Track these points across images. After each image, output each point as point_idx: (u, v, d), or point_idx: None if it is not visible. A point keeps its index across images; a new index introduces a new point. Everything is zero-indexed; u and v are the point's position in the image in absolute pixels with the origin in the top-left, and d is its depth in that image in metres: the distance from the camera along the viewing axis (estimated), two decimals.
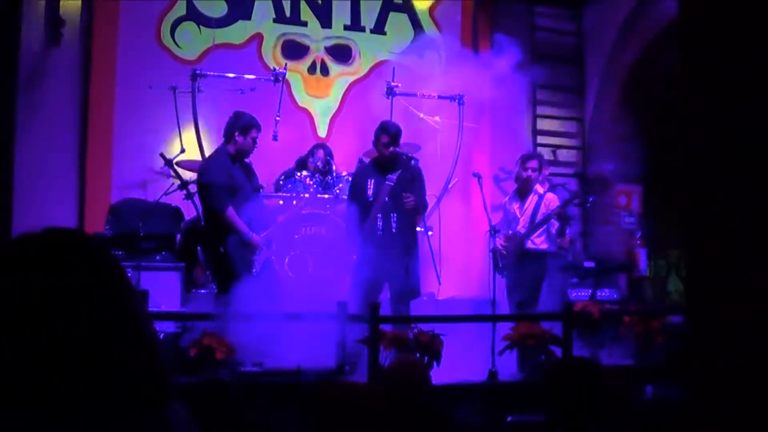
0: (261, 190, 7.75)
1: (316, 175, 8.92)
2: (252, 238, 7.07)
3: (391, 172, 7.38)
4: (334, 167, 9.13)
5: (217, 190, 7.04)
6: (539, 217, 7.96)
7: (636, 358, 7.21)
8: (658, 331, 7.28)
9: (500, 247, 7.86)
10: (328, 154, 9.35)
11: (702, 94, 2.32)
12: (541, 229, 7.99)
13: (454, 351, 6.61)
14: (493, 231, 7.68)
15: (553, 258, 8.28)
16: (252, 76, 9.03)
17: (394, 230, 7.29)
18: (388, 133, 7.39)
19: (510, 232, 8.09)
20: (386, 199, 7.31)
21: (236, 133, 7.21)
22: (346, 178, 8.91)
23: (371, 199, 7.35)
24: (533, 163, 8.13)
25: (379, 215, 7.30)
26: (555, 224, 7.92)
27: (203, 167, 7.41)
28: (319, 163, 9.16)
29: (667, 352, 7.06)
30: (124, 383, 1.51)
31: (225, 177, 7.06)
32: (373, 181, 7.41)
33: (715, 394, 2.29)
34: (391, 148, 7.35)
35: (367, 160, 8.37)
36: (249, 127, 7.23)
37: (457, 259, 9.90)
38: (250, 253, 7.04)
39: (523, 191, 8.20)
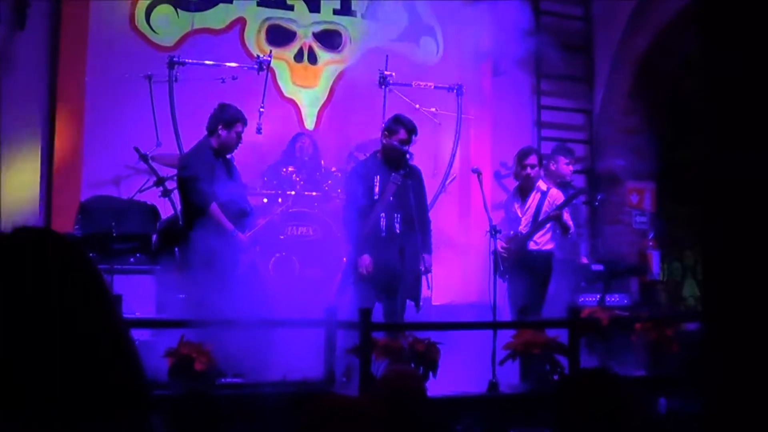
0: (245, 187, 7.75)
1: (303, 171, 8.91)
2: (237, 237, 7.06)
3: (396, 170, 7.38)
4: (322, 162, 9.13)
5: (200, 184, 7.03)
6: (542, 215, 7.98)
7: (648, 369, 7.23)
8: (672, 339, 7.29)
9: (501, 248, 7.87)
10: (314, 143, 9.35)
11: (721, 82, 2.32)
12: (545, 229, 8.00)
13: (451, 360, 6.61)
14: (494, 231, 7.68)
15: (559, 260, 8.29)
16: (234, 64, 9.02)
17: (397, 232, 7.31)
18: (407, 128, 7.39)
19: (511, 232, 8.10)
20: (391, 198, 7.31)
21: (220, 127, 7.22)
22: (335, 174, 8.91)
23: (377, 197, 7.33)
24: (531, 159, 8.15)
25: (383, 215, 7.30)
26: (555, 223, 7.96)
27: (184, 161, 7.40)
28: (306, 157, 9.15)
29: (683, 362, 7.07)
30: (101, 395, 1.51)
31: (207, 172, 7.05)
32: (379, 177, 7.40)
33: (735, 408, 2.29)
34: (407, 147, 7.37)
35: (360, 156, 8.38)
36: (234, 120, 7.23)
37: (455, 261, 9.90)
38: (235, 255, 7.03)
39: (524, 189, 8.21)
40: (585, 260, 9.27)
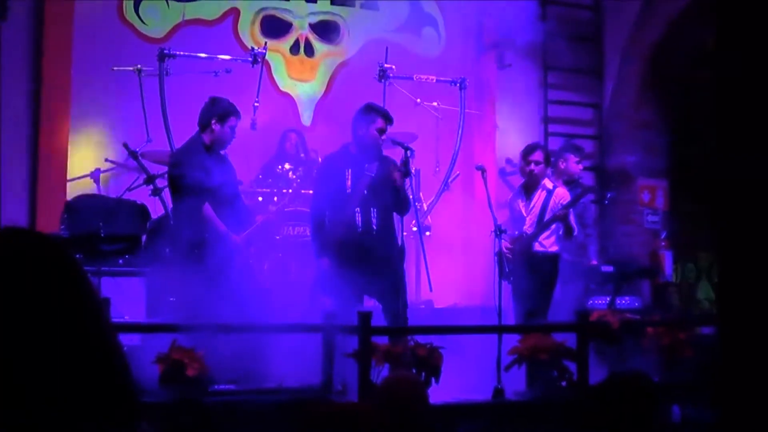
0: (239, 186, 7.74)
1: (300, 168, 8.91)
2: (231, 238, 7.06)
3: (370, 161, 7.30)
4: (319, 159, 9.12)
5: (192, 183, 7.02)
6: (548, 215, 7.97)
7: (661, 375, 7.22)
8: (686, 343, 7.29)
9: (505, 249, 7.86)
10: (301, 139, 9.36)
11: (737, 74, 2.32)
12: (550, 230, 7.99)
13: (454, 366, 6.60)
14: (499, 231, 7.66)
15: (567, 261, 8.29)
16: (227, 57, 9.01)
17: (374, 228, 7.22)
18: (384, 116, 7.31)
19: (516, 232, 8.10)
20: (365, 192, 7.24)
21: (213, 121, 7.21)
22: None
23: (349, 191, 7.26)
24: (536, 155, 8.13)
25: (358, 210, 7.23)
26: (561, 226, 7.94)
27: (175, 158, 7.40)
28: (301, 153, 9.16)
29: (697, 368, 7.06)
30: (87, 403, 1.51)
31: (200, 169, 7.04)
32: (351, 171, 7.31)
33: (751, 415, 2.28)
34: (384, 136, 7.30)
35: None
36: (227, 114, 7.23)
37: (458, 263, 9.91)
38: (228, 256, 7.02)
39: (529, 187, 8.21)
40: (595, 261, 9.26)
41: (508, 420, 6.69)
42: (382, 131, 7.25)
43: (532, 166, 8.12)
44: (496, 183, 10.08)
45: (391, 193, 7.16)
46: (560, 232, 7.98)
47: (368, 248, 7.12)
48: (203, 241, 6.95)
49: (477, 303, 9.32)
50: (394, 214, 7.30)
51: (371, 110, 7.37)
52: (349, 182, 7.24)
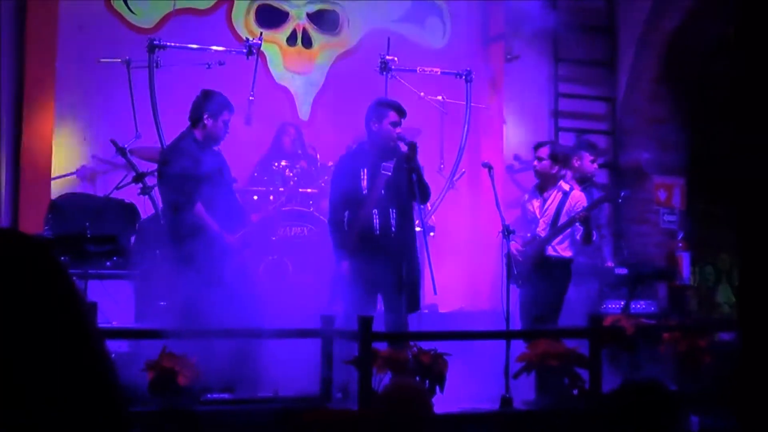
0: (234, 184, 7.74)
1: (297, 166, 8.91)
2: (224, 239, 7.06)
3: (386, 160, 7.31)
4: (317, 155, 9.13)
5: (183, 181, 7.03)
6: (562, 218, 7.95)
7: (679, 384, 7.22)
8: (704, 350, 7.29)
9: (515, 251, 7.85)
10: (298, 133, 9.36)
11: (759, 66, 2.31)
12: (564, 234, 7.98)
13: (460, 374, 6.61)
14: (507, 232, 7.66)
15: (580, 263, 8.28)
16: (220, 48, 9.01)
17: (393, 230, 7.24)
18: (397, 109, 7.32)
19: (528, 234, 8.08)
20: (383, 192, 7.26)
21: (205, 116, 7.21)
22: (332, 168, 8.90)
23: (365, 191, 7.27)
24: (541, 151, 8.12)
25: (375, 212, 7.24)
26: (579, 228, 7.91)
27: (166, 155, 7.40)
28: (298, 149, 9.15)
29: (716, 376, 7.06)
30: (72, 414, 1.50)
31: (192, 167, 7.04)
32: (366, 170, 7.32)
33: None
34: (399, 129, 7.29)
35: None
36: (220, 108, 7.23)
37: (463, 265, 9.90)
38: (221, 258, 7.02)
39: (542, 187, 8.18)
40: (609, 263, 9.26)
41: (516, 430, 6.69)
42: (395, 124, 7.26)
43: (535, 162, 8.12)
44: (503, 181, 10.06)
45: (409, 188, 7.16)
46: (578, 237, 7.94)
47: (386, 251, 7.13)
48: (195, 243, 6.95)
49: (483, 307, 9.32)
50: (413, 214, 7.33)
51: (382, 104, 7.40)
52: (365, 182, 7.26)
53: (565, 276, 8.01)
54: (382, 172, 7.24)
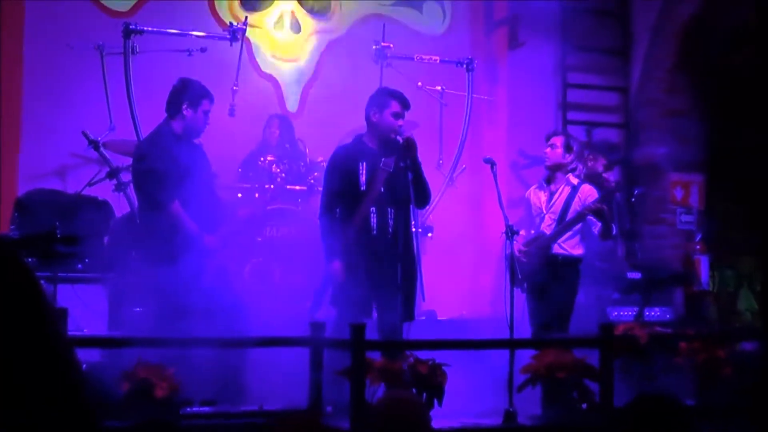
0: (215, 180, 7.73)
1: (285, 161, 8.91)
2: (204, 239, 7.05)
3: (387, 155, 7.29)
4: (306, 150, 9.13)
5: (160, 178, 7.02)
6: (571, 214, 7.95)
7: (697, 397, 7.23)
8: (724, 361, 7.29)
9: (518, 252, 7.84)
10: (286, 126, 9.36)
11: None
12: (573, 230, 7.98)
13: (460, 386, 6.61)
14: (511, 232, 7.65)
15: (594, 267, 8.28)
16: (202, 34, 9.01)
17: (390, 230, 7.23)
18: (399, 100, 7.29)
19: (532, 231, 8.07)
20: (382, 189, 7.24)
21: (184, 106, 7.20)
22: (322, 164, 8.90)
23: (364, 188, 7.25)
24: (558, 139, 8.12)
25: (373, 210, 7.23)
26: (596, 223, 7.90)
27: (141, 149, 7.40)
28: (286, 144, 9.15)
29: (737, 389, 7.07)
30: (41, 427, 1.50)
31: (169, 162, 7.04)
32: (365, 164, 7.30)
33: None
34: (401, 122, 7.26)
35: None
36: (200, 97, 7.22)
37: (464, 268, 9.91)
38: (201, 260, 7.01)
39: (550, 179, 8.18)
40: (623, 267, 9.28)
41: None
42: (397, 116, 7.23)
43: (548, 149, 8.11)
44: (507, 178, 10.09)
45: (409, 187, 7.13)
46: (595, 231, 7.93)
47: (383, 253, 7.12)
48: (173, 243, 6.94)
49: (485, 314, 9.32)
50: (411, 216, 7.32)
51: (383, 93, 7.39)
52: (363, 177, 7.24)
53: (574, 277, 8.00)
54: (382, 167, 7.21)
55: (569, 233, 7.98)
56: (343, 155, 7.44)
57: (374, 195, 7.21)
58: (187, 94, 7.21)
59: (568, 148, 8.11)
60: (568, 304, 7.96)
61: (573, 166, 8.25)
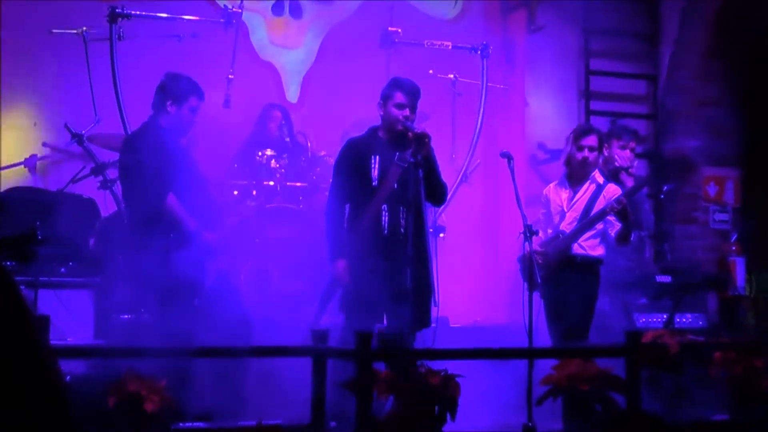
0: (206, 183, 7.74)
1: (285, 156, 8.92)
2: (202, 236, 7.05)
3: (402, 149, 7.27)
4: (308, 144, 9.14)
5: (152, 170, 7.02)
6: (593, 213, 7.94)
7: (732, 412, 7.22)
8: (762, 372, 7.29)
9: (536, 254, 7.82)
10: (285, 118, 9.36)
11: None
12: (595, 230, 7.97)
13: (474, 398, 6.62)
14: (529, 233, 7.65)
15: (619, 269, 8.28)
16: (193, 17, 9.02)
17: (402, 230, 7.24)
18: (404, 89, 7.28)
19: (550, 231, 8.07)
20: (395, 186, 7.24)
21: (168, 102, 7.20)
22: (325, 159, 8.91)
23: (376, 183, 7.26)
24: (591, 140, 8.09)
25: (385, 207, 7.23)
26: (615, 224, 7.89)
27: (131, 141, 7.40)
28: (286, 137, 9.16)
29: None
30: None
31: (162, 154, 7.04)
32: (378, 158, 7.30)
33: None
34: (406, 112, 7.25)
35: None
36: (186, 93, 7.23)
37: (478, 271, 9.92)
38: (197, 262, 7.02)
39: (575, 178, 8.16)
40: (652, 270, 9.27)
41: None
42: (401, 107, 7.21)
43: (586, 152, 8.05)
44: (525, 174, 10.08)
45: (423, 183, 7.12)
46: (612, 233, 7.92)
47: (395, 254, 7.12)
48: (169, 241, 6.95)
49: (501, 320, 9.33)
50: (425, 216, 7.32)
51: (390, 83, 7.37)
52: (375, 172, 7.24)
53: (593, 280, 7.98)
54: (397, 162, 7.21)
55: (591, 232, 7.97)
56: (355, 148, 7.43)
57: (387, 191, 7.21)
58: (171, 91, 7.21)
59: (600, 147, 8.10)
60: (588, 309, 7.96)
61: (599, 162, 8.25)
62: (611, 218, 7.84)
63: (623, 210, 7.71)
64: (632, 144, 9.09)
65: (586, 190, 8.07)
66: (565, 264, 7.94)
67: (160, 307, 6.91)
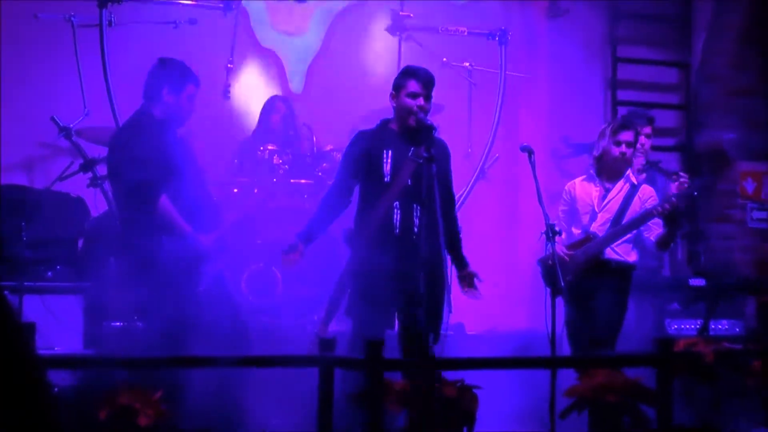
0: (204, 176, 7.74)
1: (288, 151, 8.92)
2: (197, 240, 7.06)
3: (416, 144, 7.26)
4: (314, 138, 9.14)
5: (144, 168, 7.02)
6: (629, 216, 7.91)
7: None
8: None
9: (563, 254, 7.82)
10: (289, 110, 9.36)
11: None
12: (632, 235, 7.96)
13: (493, 411, 6.62)
14: (552, 232, 7.63)
15: (644, 274, 8.27)
16: (190, 2, 9.03)
17: (416, 230, 7.23)
18: (418, 77, 7.26)
19: (579, 231, 8.05)
20: (408, 182, 7.24)
21: (164, 91, 7.20)
22: (332, 154, 8.91)
23: (388, 179, 7.25)
24: (628, 135, 8.06)
25: (397, 204, 7.23)
26: (655, 229, 7.87)
27: (121, 136, 7.41)
28: (290, 131, 9.16)
29: None
30: None
31: (154, 150, 7.04)
32: (391, 153, 7.29)
33: None
34: (421, 102, 7.22)
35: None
36: (183, 80, 7.23)
37: (497, 274, 9.90)
38: (193, 265, 7.03)
39: (608, 174, 8.12)
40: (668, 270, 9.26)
41: None
42: (414, 96, 7.19)
43: (624, 147, 8.03)
44: (547, 169, 10.06)
45: (441, 190, 7.10)
46: (652, 238, 7.90)
47: (407, 256, 7.11)
48: (159, 246, 6.96)
49: (522, 327, 9.33)
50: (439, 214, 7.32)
51: (403, 71, 7.36)
52: (388, 167, 7.23)
53: (626, 287, 7.99)
54: (411, 157, 7.20)
55: (625, 237, 7.96)
56: (365, 140, 7.42)
57: (399, 188, 7.20)
58: (167, 78, 7.20)
59: (635, 142, 8.09)
60: (619, 318, 7.95)
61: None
62: (652, 222, 7.83)
63: (673, 213, 7.69)
64: (647, 130, 9.07)
65: (620, 189, 8.04)
66: (595, 269, 7.92)
67: (151, 314, 6.92)
